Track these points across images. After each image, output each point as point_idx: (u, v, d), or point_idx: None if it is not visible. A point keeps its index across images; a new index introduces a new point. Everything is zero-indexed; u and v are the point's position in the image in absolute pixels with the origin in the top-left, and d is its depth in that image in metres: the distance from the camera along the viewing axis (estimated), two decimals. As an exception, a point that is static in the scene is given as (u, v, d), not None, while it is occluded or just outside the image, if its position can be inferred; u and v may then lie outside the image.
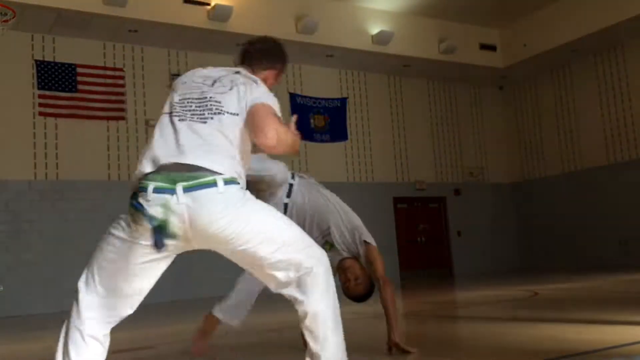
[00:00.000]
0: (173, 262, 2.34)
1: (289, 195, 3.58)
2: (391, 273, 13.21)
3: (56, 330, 2.27)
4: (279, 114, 2.38)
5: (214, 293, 4.42)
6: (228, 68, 2.54)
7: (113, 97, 11.22)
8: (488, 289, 9.17)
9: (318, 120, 13.33)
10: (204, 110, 2.32)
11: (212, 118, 2.29)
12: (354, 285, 3.42)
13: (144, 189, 2.13)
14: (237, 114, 2.32)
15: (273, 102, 2.37)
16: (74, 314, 2.27)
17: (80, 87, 10.93)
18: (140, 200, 2.13)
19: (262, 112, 2.29)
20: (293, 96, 13.09)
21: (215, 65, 2.65)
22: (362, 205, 13.25)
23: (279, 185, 3.55)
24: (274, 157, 3.21)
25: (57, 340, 2.25)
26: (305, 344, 2.31)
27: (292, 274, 2.25)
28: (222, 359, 3.90)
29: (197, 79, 2.45)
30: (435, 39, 13.61)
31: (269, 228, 2.24)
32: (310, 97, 13.31)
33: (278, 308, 8.08)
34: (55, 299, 10.20)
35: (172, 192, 2.10)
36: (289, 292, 2.28)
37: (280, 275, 2.25)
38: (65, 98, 10.79)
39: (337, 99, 13.67)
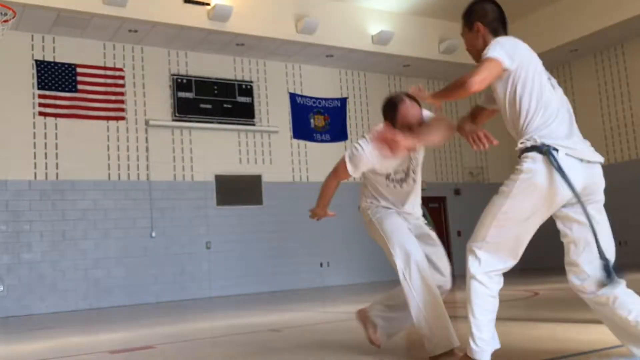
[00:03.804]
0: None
1: None
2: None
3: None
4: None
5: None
6: None
7: (113, 97, 11.22)
8: (488, 289, 9.13)
9: (318, 120, 13.33)
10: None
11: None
12: None
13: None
14: None
15: None
16: None
17: (80, 87, 10.93)
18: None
19: None
20: (293, 96, 13.09)
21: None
22: (362, 205, 13.33)
23: None
24: None
25: None
26: None
27: None
28: (222, 358, 3.91)
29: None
30: (435, 39, 13.61)
31: None
32: (310, 97, 13.32)
33: (278, 308, 8.08)
34: (55, 299, 10.22)
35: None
36: None
37: None
38: (65, 98, 10.79)
39: (337, 99, 13.67)
